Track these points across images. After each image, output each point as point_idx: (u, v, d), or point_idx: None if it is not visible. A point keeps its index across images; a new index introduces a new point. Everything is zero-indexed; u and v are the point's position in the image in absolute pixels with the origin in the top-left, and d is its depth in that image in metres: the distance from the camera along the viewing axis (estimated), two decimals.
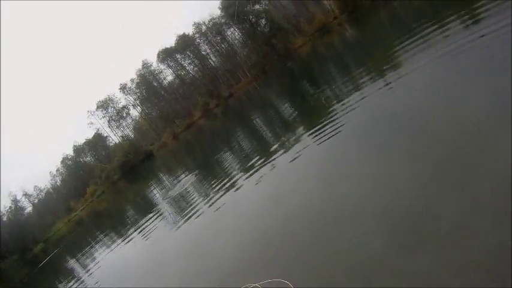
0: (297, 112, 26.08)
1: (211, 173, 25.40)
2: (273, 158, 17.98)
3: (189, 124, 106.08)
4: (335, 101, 20.64)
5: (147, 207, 30.36)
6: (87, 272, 24.04)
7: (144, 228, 23.74)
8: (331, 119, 17.14)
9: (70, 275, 27.60)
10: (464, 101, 10.91)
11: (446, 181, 8.22)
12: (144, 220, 26.20)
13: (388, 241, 7.80)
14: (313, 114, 21.16)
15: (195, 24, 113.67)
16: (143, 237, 22.02)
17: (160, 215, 24.38)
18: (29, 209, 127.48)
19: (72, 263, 33.48)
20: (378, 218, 8.67)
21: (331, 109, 19.17)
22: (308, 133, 17.78)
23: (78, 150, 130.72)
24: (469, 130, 9.39)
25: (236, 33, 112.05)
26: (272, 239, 11.11)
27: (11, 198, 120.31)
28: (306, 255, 9.30)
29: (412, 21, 27.64)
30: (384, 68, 20.50)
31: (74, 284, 23.05)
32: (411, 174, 9.36)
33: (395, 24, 35.45)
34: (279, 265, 9.59)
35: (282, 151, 18.21)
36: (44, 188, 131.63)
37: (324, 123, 17.25)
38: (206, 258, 12.94)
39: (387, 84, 16.95)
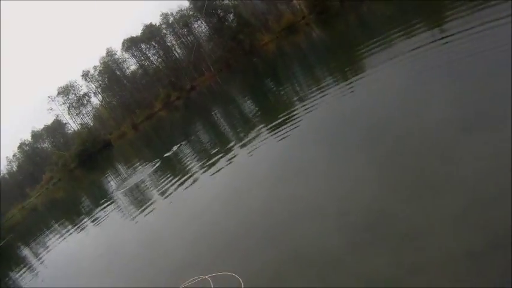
0: (257, 108, 25.93)
1: (168, 165, 25.17)
2: (230, 152, 17.86)
3: (150, 115, 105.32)
4: (296, 99, 20.56)
5: (102, 197, 29.95)
6: (38, 259, 23.79)
7: (97, 218, 23.50)
8: (291, 116, 17.07)
9: (21, 262, 27.26)
10: (424, 104, 10.87)
11: (402, 182, 8.17)
12: (98, 209, 25.96)
13: (342, 239, 7.74)
14: (273, 111, 21.01)
15: (162, 14, 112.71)
16: (96, 226, 21.81)
17: (114, 205, 24.07)
18: None
19: (24, 250, 32.98)
20: (333, 216, 8.61)
21: (291, 107, 19.02)
22: (267, 129, 17.71)
23: (36, 136, 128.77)
24: (427, 133, 9.38)
25: (203, 27, 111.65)
26: (225, 233, 11.04)
27: None
28: (258, 251, 9.23)
29: (379, 25, 27.88)
30: (347, 69, 20.57)
31: (25, 271, 22.77)
32: (368, 174, 9.30)
33: (362, 27, 35.64)
34: (230, 259, 9.53)
35: (239, 146, 18.06)
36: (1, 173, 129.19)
37: (284, 120, 17.13)
38: (158, 249, 12.79)
39: (348, 84, 16.90)
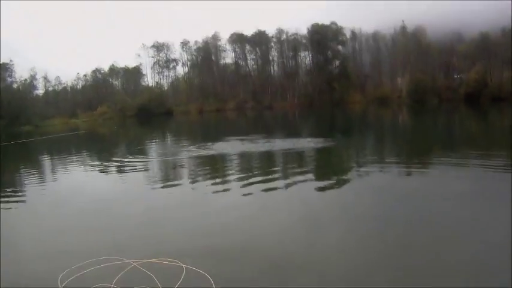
0: (311, 155, 25.34)
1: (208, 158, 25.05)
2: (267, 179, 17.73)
3: (219, 109, 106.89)
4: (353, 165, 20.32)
5: (136, 153, 30.01)
6: (52, 176, 23.99)
7: (123, 167, 23.44)
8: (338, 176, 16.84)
9: (34, 167, 27.80)
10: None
11: None
12: (126, 160, 25.79)
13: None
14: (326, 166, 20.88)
15: (278, 29, 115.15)
16: (117, 173, 21.86)
17: (144, 168, 23.92)
18: (40, 91, 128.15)
19: (44, 158, 33.70)
20: None
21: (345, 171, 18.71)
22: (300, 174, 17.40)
23: (112, 70, 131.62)
24: None
25: (308, 59, 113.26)
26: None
27: (31, 73, 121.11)
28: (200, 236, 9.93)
29: (460, 140, 27.21)
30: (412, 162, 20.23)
31: (29, 176, 23.13)
32: None
33: (446, 133, 34.76)
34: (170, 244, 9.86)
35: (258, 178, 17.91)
36: (64, 83, 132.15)
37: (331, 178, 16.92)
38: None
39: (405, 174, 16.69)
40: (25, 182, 21.71)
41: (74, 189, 18.25)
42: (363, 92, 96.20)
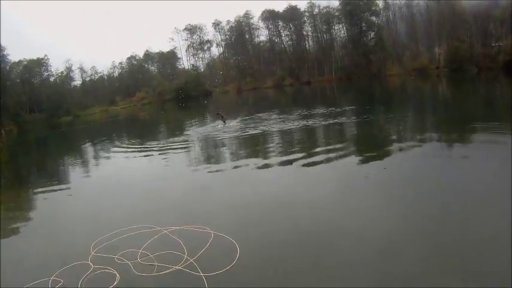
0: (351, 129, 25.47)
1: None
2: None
3: (257, 87, 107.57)
4: (393, 137, 20.58)
5: (176, 135, 30.43)
6: (95, 162, 25.10)
7: (165, 150, 24.08)
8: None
9: (75, 155, 29.49)
10: None
11: None
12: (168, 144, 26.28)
13: None
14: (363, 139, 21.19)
15: (309, 3, 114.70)
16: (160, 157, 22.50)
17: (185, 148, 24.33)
18: (77, 82, 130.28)
19: (85, 146, 35.12)
20: None
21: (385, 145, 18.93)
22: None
23: (147, 56, 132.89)
24: None
25: (342, 32, 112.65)
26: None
27: (67, 65, 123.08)
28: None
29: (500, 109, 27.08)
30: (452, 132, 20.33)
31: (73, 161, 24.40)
32: None
33: (488, 102, 34.63)
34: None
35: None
36: (100, 72, 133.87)
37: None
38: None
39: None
40: (70, 167, 24.15)
41: (115, 171, 20.39)
42: (401, 63, 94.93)
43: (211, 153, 22.37)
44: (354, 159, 15.89)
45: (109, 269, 8.65)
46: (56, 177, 21.72)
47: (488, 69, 69.74)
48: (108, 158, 25.48)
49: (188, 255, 8.64)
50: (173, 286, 7.80)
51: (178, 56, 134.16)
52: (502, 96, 35.62)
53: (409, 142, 18.11)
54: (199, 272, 7.94)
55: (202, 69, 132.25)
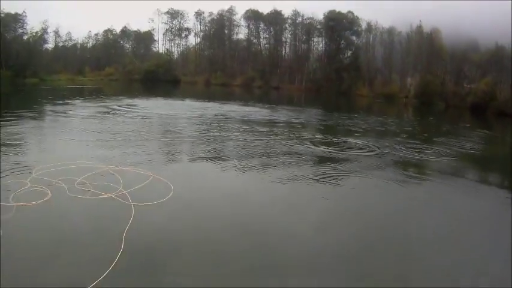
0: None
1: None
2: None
3: (226, 83, 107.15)
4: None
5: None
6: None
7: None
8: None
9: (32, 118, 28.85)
10: None
11: None
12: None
13: None
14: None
15: (294, 11, 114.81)
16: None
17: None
18: (49, 45, 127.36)
19: (46, 110, 35.08)
20: None
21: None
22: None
23: (124, 32, 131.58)
24: None
25: (320, 45, 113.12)
26: None
27: (43, 26, 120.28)
28: None
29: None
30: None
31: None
32: None
33: (451, 136, 34.79)
34: None
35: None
36: (75, 40, 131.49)
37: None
38: None
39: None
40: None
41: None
42: (371, 87, 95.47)
43: None
44: None
45: (42, 188, 9.77)
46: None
47: (455, 107, 70.86)
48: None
49: (123, 188, 9.94)
50: (102, 210, 8.98)
51: (155, 38, 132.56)
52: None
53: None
54: (129, 201, 9.02)
55: (175, 56, 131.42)
